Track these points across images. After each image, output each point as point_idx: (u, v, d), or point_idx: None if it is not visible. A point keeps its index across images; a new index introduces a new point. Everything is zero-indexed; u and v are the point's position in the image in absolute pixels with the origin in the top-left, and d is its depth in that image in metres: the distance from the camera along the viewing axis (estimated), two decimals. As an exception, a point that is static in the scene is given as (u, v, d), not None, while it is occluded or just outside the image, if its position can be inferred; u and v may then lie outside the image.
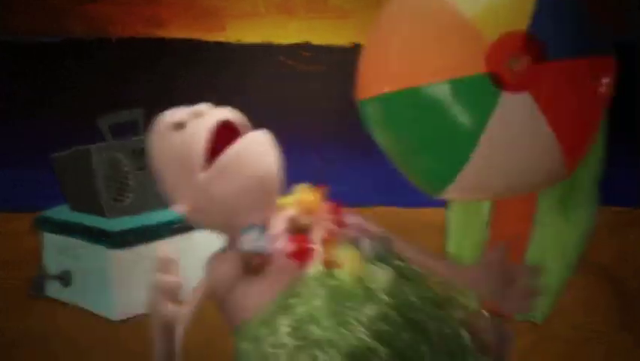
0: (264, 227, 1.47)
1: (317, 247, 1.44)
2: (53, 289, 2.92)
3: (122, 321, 2.92)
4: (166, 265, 1.35)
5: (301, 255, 1.44)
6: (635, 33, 2.95)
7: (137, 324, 2.93)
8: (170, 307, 1.34)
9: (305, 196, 1.54)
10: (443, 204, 2.98)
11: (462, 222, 3.02)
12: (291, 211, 1.51)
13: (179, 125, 1.50)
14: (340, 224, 1.53)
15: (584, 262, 3.01)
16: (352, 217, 1.57)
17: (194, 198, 1.44)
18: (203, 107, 1.55)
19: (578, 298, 3.01)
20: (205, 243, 2.89)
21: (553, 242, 3.01)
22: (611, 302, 3.01)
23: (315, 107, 2.94)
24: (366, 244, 1.52)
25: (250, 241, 1.47)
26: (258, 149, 1.48)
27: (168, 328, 1.38)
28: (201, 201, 1.44)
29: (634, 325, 3.00)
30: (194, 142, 1.44)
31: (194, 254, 3.00)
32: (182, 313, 1.39)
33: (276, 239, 1.45)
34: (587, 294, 3.00)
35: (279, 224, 1.47)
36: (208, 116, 1.51)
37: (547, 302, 3.06)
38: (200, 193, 1.43)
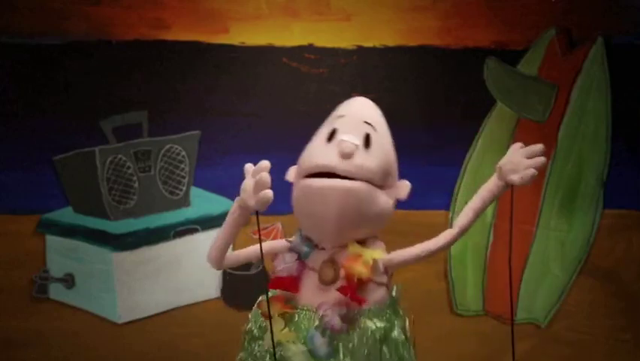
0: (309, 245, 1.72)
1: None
2: (57, 292, 2.92)
3: (126, 323, 2.92)
4: (260, 168, 1.56)
5: (281, 283, 1.70)
6: (635, 33, 2.95)
7: (140, 326, 2.93)
8: (259, 195, 1.55)
9: (356, 266, 1.66)
10: (445, 206, 3.00)
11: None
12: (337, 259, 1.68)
13: (330, 138, 1.66)
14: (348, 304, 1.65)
15: (587, 265, 3.02)
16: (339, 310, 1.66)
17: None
18: (350, 149, 1.62)
19: (580, 300, 3.01)
20: (207, 245, 2.89)
21: (557, 245, 3.02)
22: (614, 305, 3.01)
23: (318, 109, 2.93)
24: (318, 339, 1.63)
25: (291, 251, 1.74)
26: (322, 194, 1.62)
27: (248, 212, 1.63)
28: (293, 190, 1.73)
29: (637, 327, 3.00)
30: (316, 156, 1.65)
31: (197, 256, 3.01)
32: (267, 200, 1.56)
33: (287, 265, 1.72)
34: (590, 297, 3.00)
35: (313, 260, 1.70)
36: (345, 156, 1.62)
37: (550, 305, 3.07)
38: (294, 188, 1.72)
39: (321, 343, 1.62)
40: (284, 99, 2.94)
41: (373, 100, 2.96)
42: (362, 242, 1.71)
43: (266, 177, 1.55)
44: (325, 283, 1.66)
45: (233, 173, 3.07)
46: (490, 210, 2.99)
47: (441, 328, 2.94)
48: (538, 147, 1.68)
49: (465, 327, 3.00)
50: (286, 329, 1.66)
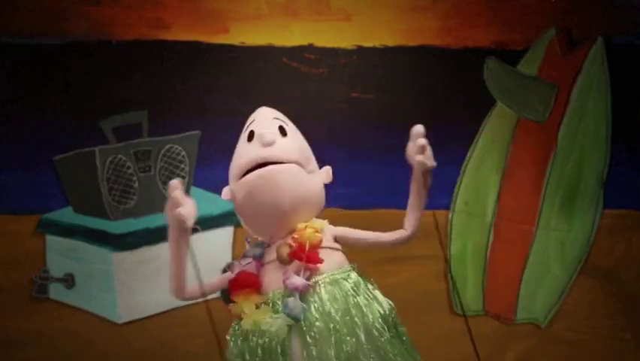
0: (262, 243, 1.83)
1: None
2: (57, 292, 2.92)
3: (126, 323, 2.92)
4: (171, 187, 1.74)
5: (239, 283, 1.80)
6: (635, 33, 2.95)
7: (140, 326, 2.93)
8: (177, 211, 1.75)
9: (305, 232, 1.77)
10: (445, 206, 3.00)
11: (465, 224, 3.03)
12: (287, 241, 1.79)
13: (250, 138, 1.82)
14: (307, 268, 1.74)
15: (587, 265, 3.02)
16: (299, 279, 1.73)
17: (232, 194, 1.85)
18: (271, 137, 1.79)
19: (580, 300, 3.01)
20: (208, 244, 2.90)
21: (557, 245, 3.03)
22: (614, 305, 3.01)
23: (318, 109, 2.93)
24: (290, 302, 1.70)
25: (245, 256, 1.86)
26: (267, 184, 1.75)
27: (176, 232, 1.83)
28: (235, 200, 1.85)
29: (637, 327, 3.01)
30: (244, 156, 1.80)
31: (197, 254, 3.01)
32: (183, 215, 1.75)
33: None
34: (590, 297, 3.00)
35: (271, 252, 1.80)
36: (267, 148, 1.77)
37: (550, 305, 3.07)
38: (233, 193, 1.85)
39: (294, 304, 1.68)
40: (284, 99, 2.93)
41: (373, 100, 2.98)
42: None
43: (177, 194, 1.73)
44: (284, 261, 1.75)
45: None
46: (490, 210, 3.00)
47: (441, 328, 2.94)
48: (415, 128, 1.80)
49: (465, 327, 3.00)
50: (261, 308, 1.74)
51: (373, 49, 2.95)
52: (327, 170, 1.89)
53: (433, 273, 2.98)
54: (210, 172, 2.93)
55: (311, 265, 1.72)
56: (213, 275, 2.93)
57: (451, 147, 2.98)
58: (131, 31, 2.92)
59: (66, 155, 2.88)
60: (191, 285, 1.89)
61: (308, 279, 1.71)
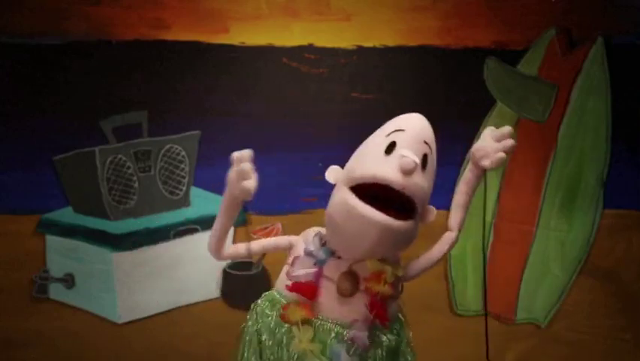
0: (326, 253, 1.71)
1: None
2: (57, 292, 2.92)
3: (126, 323, 2.93)
4: (242, 158, 1.63)
5: (300, 289, 1.68)
6: (635, 33, 2.95)
7: (140, 326, 2.94)
8: (244, 183, 1.61)
9: (380, 287, 1.67)
10: (445, 206, 2.99)
11: (465, 224, 3.02)
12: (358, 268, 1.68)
13: (389, 150, 1.62)
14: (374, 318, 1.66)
15: (587, 265, 3.03)
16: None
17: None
18: (412, 167, 1.61)
19: (580, 300, 3.01)
20: (207, 245, 2.88)
21: (557, 245, 3.03)
22: (614, 305, 3.01)
23: (318, 109, 2.93)
24: (345, 357, 1.64)
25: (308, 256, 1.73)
26: (365, 224, 1.57)
27: (235, 201, 1.68)
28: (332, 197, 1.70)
29: (636, 327, 3.01)
30: (373, 167, 1.61)
31: (197, 256, 3.01)
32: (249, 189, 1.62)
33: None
34: (590, 297, 3.00)
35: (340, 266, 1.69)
36: (402, 175, 1.60)
37: (550, 305, 3.07)
38: (336, 194, 1.67)
39: (345, 359, 1.63)
40: (284, 99, 2.94)
41: (373, 100, 2.98)
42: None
43: (246, 166, 1.62)
44: (343, 295, 1.66)
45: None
46: (490, 210, 3.00)
47: (441, 328, 2.94)
48: (507, 129, 1.67)
49: (465, 327, 3.00)
50: (316, 342, 1.65)
51: (373, 49, 2.95)
52: (432, 211, 1.78)
53: (433, 273, 2.96)
54: (210, 172, 2.93)
55: (377, 322, 1.64)
56: (213, 275, 2.95)
57: (451, 147, 2.97)
58: (131, 31, 2.92)
59: (66, 155, 2.88)
60: (230, 245, 1.81)
61: (370, 335, 1.64)
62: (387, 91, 2.94)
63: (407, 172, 1.58)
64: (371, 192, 1.57)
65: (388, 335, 1.69)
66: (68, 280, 2.93)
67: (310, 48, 2.94)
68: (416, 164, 1.60)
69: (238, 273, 2.93)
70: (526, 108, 2.97)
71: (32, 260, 2.92)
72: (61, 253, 2.93)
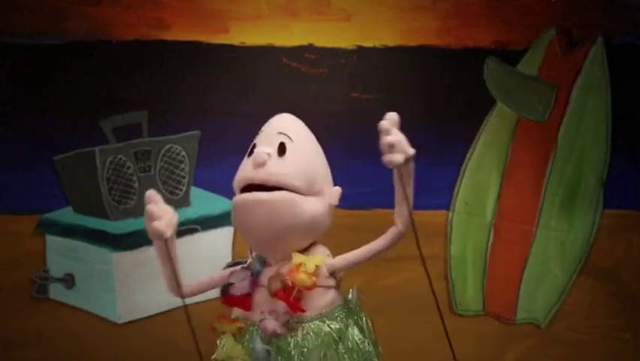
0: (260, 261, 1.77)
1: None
2: (57, 292, 2.92)
3: (126, 323, 2.93)
4: (149, 198, 1.63)
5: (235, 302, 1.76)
6: (635, 33, 2.95)
7: (140, 326, 2.93)
8: (153, 225, 1.62)
9: (297, 275, 1.70)
10: (444, 206, 3.00)
11: (465, 224, 3.03)
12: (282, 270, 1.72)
13: (251, 152, 1.74)
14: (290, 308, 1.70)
15: (587, 265, 3.02)
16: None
17: None
18: (261, 158, 1.71)
19: (580, 300, 3.01)
20: (208, 244, 2.90)
21: (557, 245, 3.03)
22: (614, 305, 3.01)
23: (318, 109, 2.93)
24: (257, 344, 1.68)
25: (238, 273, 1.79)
26: (246, 209, 1.71)
27: (156, 243, 1.71)
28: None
29: (637, 327, 3.00)
30: (240, 172, 1.77)
31: (197, 254, 3.01)
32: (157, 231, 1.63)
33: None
34: (590, 297, 3.00)
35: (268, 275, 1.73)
36: (256, 169, 1.71)
37: (550, 305, 3.07)
38: None
39: (260, 348, 1.66)
40: (284, 99, 2.94)
41: (373, 100, 2.98)
42: (305, 250, 1.76)
43: (150, 209, 1.62)
44: (272, 295, 1.69)
45: (233, 173, 3.08)
46: (490, 210, 3.00)
47: (441, 328, 2.94)
48: (381, 122, 1.69)
49: (465, 327, 3.00)
50: (238, 345, 1.71)
51: (373, 49, 2.95)
52: (336, 191, 1.83)
53: (433, 273, 2.96)
54: (210, 172, 2.93)
55: (291, 312, 1.68)
56: (213, 275, 2.95)
57: (451, 147, 2.98)
58: (131, 31, 2.92)
59: (66, 155, 2.88)
60: (189, 283, 1.83)
61: (285, 324, 1.68)
62: (387, 91, 2.94)
63: (259, 165, 1.69)
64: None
65: (328, 323, 1.71)
66: (68, 280, 2.93)
67: (310, 48, 2.94)
68: (266, 154, 1.69)
69: (238, 273, 2.93)
70: (526, 108, 2.97)
71: (32, 260, 2.91)
72: (61, 253, 2.93)
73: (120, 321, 2.92)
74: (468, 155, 2.99)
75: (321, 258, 1.75)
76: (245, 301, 1.75)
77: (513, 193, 2.99)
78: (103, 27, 2.91)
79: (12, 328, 2.90)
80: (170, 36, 2.92)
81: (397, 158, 1.64)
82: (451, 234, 3.00)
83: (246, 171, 1.73)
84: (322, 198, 1.77)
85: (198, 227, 2.94)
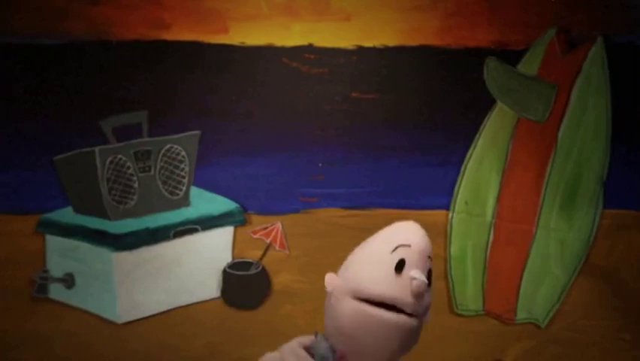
0: None
1: None
2: (57, 292, 2.93)
3: (126, 323, 2.93)
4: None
5: None
6: (635, 33, 2.95)
7: (140, 326, 2.94)
8: None
9: None
10: (445, 206, 3.00)
11: (465, 224, 3.03)
12: None
13: (399, 268, 1.60)
14: None
15: (587, 265, 3.03)
16: None
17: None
18: (423, 289, 1.58)
19: (580, 301, 3.01)
20: (208, 244, 2.91)
21: (557, 245, 3.03)
22: (614, 305, 3.01)
23: (318, 109, 2.93)
24: None
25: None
26: (385, 329, 1.58)
27: None
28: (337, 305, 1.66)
29: (636, 327, 3.01)
30: (384, 286, 1.59)
31: (197, 256, 3.02)
32: None
33: None
34: (589, 297, 3.01)
35: None
36: (418, 296, 1.59)
37: (550, 305, 3.07)
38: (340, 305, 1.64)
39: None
40: (284, 99, 2.94)
41: (373, 100, 2.98)
42: None
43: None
44: None
45: (233, 173, 3.09)
46: (490, 210, 3.00)
47: (441, 328, 2.94)
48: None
49: (465, 327, 3.01)
50: None
51: (373, 49, 2.95)
52: (429, 313, 1.69)
53: (434, 273, 2.97)
54: (210, 172, 2.93)
55: None
56: (213, 275, 2.95)
57: (451, 147, 2.98)
58: (131, 31, 2.92)
59: (66, 155, 2.88)
60: None
61: None
62: (387, 91, 2.94)
63: (419, 296, 1.58)
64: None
65: None
66: (68, 280, 2.93)
67: (310, 48, 2.94)
68: (425, 285, 1.59)
69: (238, 273, 2.93)
70: (526, 108, 2.97)
71: (32, 260, 2.92)
72: (61, 253, 2.93)
73: (120, 321, 2.92)
74: (468, 155, 2.99)
75: None
76: None
77: (513, 193, 2.99)
78: (103, 27, 2.91)
79: (11, 328, 2.90)
80: (170, 36, 2.92)
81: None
82: (451, 234, 3.00)
83: (398, 292, 1.58)
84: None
85: (198, 227, 2.94)
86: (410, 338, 1.59)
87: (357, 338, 1.59)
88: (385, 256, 1.61)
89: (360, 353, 1.61)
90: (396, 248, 1.62)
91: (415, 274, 1.58)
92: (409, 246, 1.63)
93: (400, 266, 1.59)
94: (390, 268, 1.59)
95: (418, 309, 1.58)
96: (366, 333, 1.58)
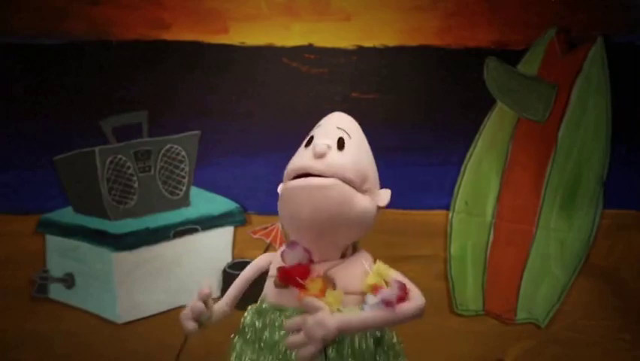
0: (304, 253, 1.75)
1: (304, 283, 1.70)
2: (57, 292, 2.93)
3: (126, 323, 2.93)
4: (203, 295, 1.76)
5: (285, 277, 1.74)
6: (635, 33, 2.95)
7: (140, 326, 2.93)
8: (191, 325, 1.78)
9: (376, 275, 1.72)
10: (445, 206, 3.00)
11: (465, 224, 3.03)
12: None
13: (308, 143, 1.76)
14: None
15: (587, 265, 3.03)
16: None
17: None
18: (322, 149, 1.71)
19: (580, 301, 3.01)
20: (208, 244, 2.90)
21: (557, 245, 3.03)
22: (614, 305, 3.01)
23: (318, 109, 2.93)
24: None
25: (288, 256, 1.76)
26: (299, 193, 1.69)
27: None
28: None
29: (636, 327, 3.01)
30: (296, 161, 1.75)
31: (197, 256, 3.01)
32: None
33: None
34: (589, 297, 3.01)
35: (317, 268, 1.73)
36: (316, 159, 1.71)
37: (550, 305, 3.07)
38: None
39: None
40: (284, 99, 2.94)
41: (373, 100, 2.98)
42: (343, 255, 1.78)
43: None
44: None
45: (233, 173, 3.09)
46: (490, 210, 3.00)
47: (441, 328, 2.94)
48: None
49: (465, 327, 3.01)
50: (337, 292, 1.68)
51: (373, 49, 2.95)
52: (385, 193, 1.82)
53: (433, 273, 2.98)
54: (210, 172, 2.93)
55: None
56: (213, 275, 2.95)
57: (451, 147, 2.98)
58: (131, 31, 2.92)
59: (66, 155, 2.88)
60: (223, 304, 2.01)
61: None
62: (387, 91, 2.94)
63: (319, 155, 1.69)
64: None
65: None
66: (68, 280, 2.93)
67: (310, 48, 2.94)
68: (327, 146, 1.71)
69: (238, 273, 2.93)
70: (526, 108, 2.97)
71: (32, 260, 2.92)
72: (61, 253, 2.93)
73: (120, 321, 2.92)
74: (468, 155, 2.99)
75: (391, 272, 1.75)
76: (304, 271, 1.72)
77: (513, 193, 2.99)
78: (103, 27, 2.91)
79: (11, 328, 2.90)
80: (170, 36, 2.92)
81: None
82: (451, 234, 3.00)
83: (304, 160, 1.72)
84: (371, 197, 1.77)
85: (198, 227, 2.94)
86: (325, 198, 1.66)
87: (284, 216, 1.76)
88: (304, 142, 1.80)
89: (294, 232, 1.77)
90: (312, 131, 1.81)
91: (316, 140, 1.73)
92: (320, 125, 1.82)
93: (309, 142, 1.76)
94: (301, 148, 1.78)
95: (324, 169, 1.67)
96: (285, 206, 1.74)
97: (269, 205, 2.87)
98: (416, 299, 1.68)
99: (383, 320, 1.66)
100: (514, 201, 3.00)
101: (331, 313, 1.58)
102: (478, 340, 3.01)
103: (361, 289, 1.70)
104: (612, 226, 2.99)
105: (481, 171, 2.99)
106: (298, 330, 1.56)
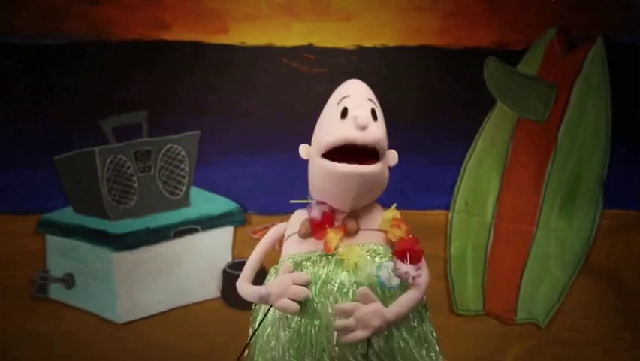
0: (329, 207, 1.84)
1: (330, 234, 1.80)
2: (57, 292, 2.93)
3: (126, 323, 2.93)
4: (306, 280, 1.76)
5: (316, 228, 1.82)
6: (635, 33, 2.95)
7: (140, 326, 2.94)
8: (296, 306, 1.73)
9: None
10: (445, 206, 3.00)
11: (465, 224, 3.03)
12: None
13: (344, 115, 1.81)
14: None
15: (587, 265, 3.03)
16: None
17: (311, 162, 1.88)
18: (366, 121, 1.78)
19: (580, 300, 3.01)
20: (208, 244, 2.90)
21: (557, 245, 3.03)
22: (614, 305, 3.01)
23: (318, 109, 2.93)
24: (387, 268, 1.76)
25: (314, 209, 1.85)
26: (345, 179, 1.76)
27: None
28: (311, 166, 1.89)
29: (636, 327, 3.01)
30: (336, 133, 1.79)
31: (197, 256, 3.01)
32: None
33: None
34: (589, 297, 3.01)
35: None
36: (360, 131, 1.77)
37: (550, 305, 3.07)
38: (312, 159, 1.87)
39: (389, 276, 1.74)
40: (284, 99, 2.94)
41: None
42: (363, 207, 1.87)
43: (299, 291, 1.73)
44: (350, 234, 1.81)
45: (233, 173, 3.09)
46: (490, 210, 3.00)
47: (441, 328, 2.94)
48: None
49: (465, 327, 3.01)
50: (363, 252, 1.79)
51: (373, 49, 2.95)
52: (394, 154, 1.89)
53: (433, 273, 2.97)
54: (210, 172, 2.93)
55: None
56: (213, 275, 2.95)
57: (451, 147, 2.98)
58: (131, 31, 2.92)
59: (66, 155, 2.88)
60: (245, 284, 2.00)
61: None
62: (387, 91, 2.93)
63: (363, 127, 1.76)
64: (339, 153, 1.77)
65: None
66: (68, 280, 2.93)
67: (310, 48, 2.94)
68: (367, 118, 1.78)
69: (238, 273, 2.93)
70: (526, 108, 2.97)
71: (32, 260, 2.92)
72: (61, 253, 2.93)
73: (120, 321, 2.92)
74: (468, 155, 2.99)
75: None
76: (329, 218, 1.83)
77: (513, 193, 2.99)
78: (103, 27, 2.91)
79: (12, 328, 2.90)
80: (170, 36, 2.92)
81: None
82: (451, 234, 3.00)
83: (345, 131, 1.77)
84: (386, 160, 1.86)
85: (198, 227, 2.94)
86: (370, 182, 1.79)
87: (322, 188, 1.83)
88: (333, 111, 1.86)
89: (327, 199, 1.84)
90: (339, 102, 1.87)
91: (356, 112, 1.79)
92: (349, 96, 1.89)
93: (344, 113, 1.82)
94: (336, 118, 1.82)
95: (370, 140, 1.76)
96: (327, 183, 1.81)
97: (269, 205, 2.88)
98: (424, 267, 1.84)
99: (417, 301, 1.81)
100: (514, 201, 3.00)
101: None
102: (478, 340, 3.01)
103: (379, 225, 1.85)
104: (612, 226, 2.99)
105: (481, 171, 2.99)
106: (348, 315, 1.66)
